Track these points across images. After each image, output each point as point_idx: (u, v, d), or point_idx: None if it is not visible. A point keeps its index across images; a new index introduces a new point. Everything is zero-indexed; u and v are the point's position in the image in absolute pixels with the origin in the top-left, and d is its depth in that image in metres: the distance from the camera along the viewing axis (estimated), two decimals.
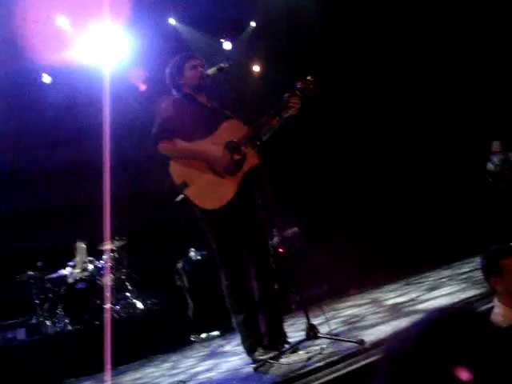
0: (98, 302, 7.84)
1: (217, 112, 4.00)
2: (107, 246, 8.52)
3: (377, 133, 10.00)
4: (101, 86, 8.76)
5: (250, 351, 3.72)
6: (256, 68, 11.02)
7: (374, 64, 9.85)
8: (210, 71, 3.91)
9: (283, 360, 3.34)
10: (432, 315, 1.10)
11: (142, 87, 9.87)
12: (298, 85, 3.86)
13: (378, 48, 9.79)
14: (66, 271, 8.22)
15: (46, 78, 9.43)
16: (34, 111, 9.24)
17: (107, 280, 8.07)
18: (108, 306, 7.67)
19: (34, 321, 7.70)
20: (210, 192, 3.71)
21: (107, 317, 7.34)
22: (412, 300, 4.74)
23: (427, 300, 4.38)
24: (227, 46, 10.57)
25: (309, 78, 3.89)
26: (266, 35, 10.30)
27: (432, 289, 5.17)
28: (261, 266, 3.85)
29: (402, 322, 3.48)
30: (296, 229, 8.34)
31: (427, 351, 1.05)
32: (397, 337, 1.16)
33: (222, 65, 3.84)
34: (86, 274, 8.24)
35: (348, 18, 9.60)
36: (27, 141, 9.36)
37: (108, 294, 7.82)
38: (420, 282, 6.29)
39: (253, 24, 10.71)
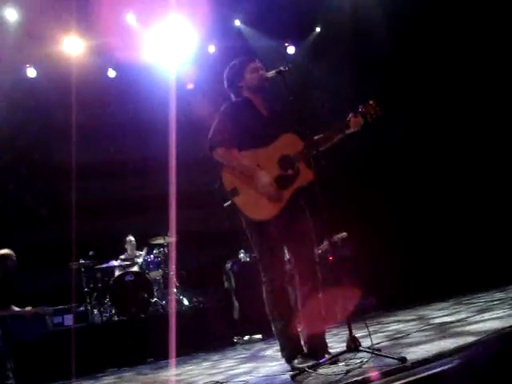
0: (146, 295, 7.94)
1: (274, 121, 3.96)
2: (158, 241, 8.63)
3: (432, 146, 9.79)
4: (163, 82, 8.91)
5: (288, 359, 3.69)
6: (317, 74, 10.96)
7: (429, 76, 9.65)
8: (270, 74, 3.89)
9: (321, 370, 3.29)
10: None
11: (190, 86, 9.94)
12: (360, 108, 3.83)
13: (438, 63, 9.59)
14: (116, 263, 8.37)
15: (111, 73, 9.64)
16: (101, 105, 9.44)
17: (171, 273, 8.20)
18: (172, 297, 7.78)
19: (82, 308, 7.86)
20: (257, 204, 3.71)
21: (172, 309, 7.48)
22: (460, 320, 4.59)
23: (477, 322, 4.23)
24: (291, 50, 10.57)
25: (371, 102, 3.84)
26: (331, 42, 10.22)
27: (483, 311, 5.00)
28: (305, 274, 3.81)
29: (448, 343, 3.37)
30: (344, 233, 8.20)
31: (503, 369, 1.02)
32: (477, 348, 1.14)
33: (281, 68, 3.81)
34: (135, 267, 8.38)
35: (415, 31, 9.40)
36: (95, 133, 9.57)
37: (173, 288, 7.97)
38: (471, 303, 6.11)
39: (318, 29, 10.65)
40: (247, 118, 3.91)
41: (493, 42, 9.15)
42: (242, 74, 4.05)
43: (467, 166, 9.57)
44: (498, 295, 6.17)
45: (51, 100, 9.03)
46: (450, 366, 2.52)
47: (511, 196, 9.13)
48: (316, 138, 3.87)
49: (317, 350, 3.68)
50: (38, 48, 8.90)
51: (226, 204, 3.80)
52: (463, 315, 4.95)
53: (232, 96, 4.12)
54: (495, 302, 5.45)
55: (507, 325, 3.53)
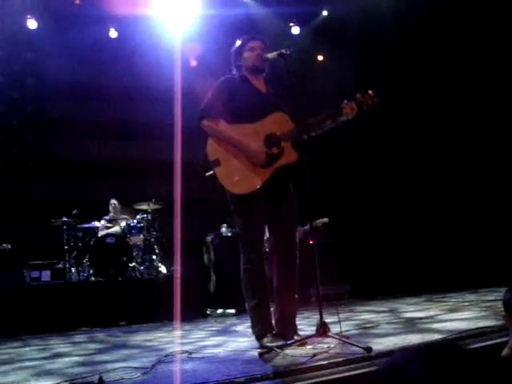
0: (125, 259, 7.98)
1: (269, 100, 3.98)
2: (143, 206, 8.65)
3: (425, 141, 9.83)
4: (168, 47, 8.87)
5: (258, 337, 3.76)
6: (320, 57, 10.94)
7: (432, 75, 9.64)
8: (270, 55, 3.89)
9: (289, 351, 3.37)
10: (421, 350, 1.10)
11: (193, 63, 9.89)
12: (357, 96, 3.84)
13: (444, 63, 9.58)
14: (99, 224, 8.39)
15: (113, 33, 9.56)
16: (100, 67, 9.37)
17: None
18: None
19: (60, 266, 7.90)
20: (238, 176, 3.75)
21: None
22: (430, 317, 4.70)
23: (444, 321, 4.34)
24: (295, 30, 10.51)
25: (370, 92, 3.85)
26: (337, 27, 10.18)
27: (452, 310, 5.12)
28: (284, 255, 3.87)
29: (414, 338, 3.46)
30: (326, 219, 8.27)
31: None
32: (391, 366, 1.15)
33: (283, 51, 3.81)
34: (117, 230, 8.41)
35: (425, 20, 9.35)
36: (92, 93, 9.51)
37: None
38: (442, 301, 6.23)
39: (325, 13, 10.60)
40: (240, 94, 3.92)
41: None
42: (241, 52, 4.06)
43: (455, 165, 9.65)
44: (470, 297, 6.30)
45: (51, 54, 8.95)
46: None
47: (498, 200, 9.22)
48: (308, 122, 3.88)
49: (287, 331, 3.77)
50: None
51: (207, 174, 3.85)
52: (433, 312, 5.07)
53: (234, 71, 4.13)
54: (465, 303, 5.57)
55: (473, 327, 3.63)
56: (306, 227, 7.20)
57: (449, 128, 9.64)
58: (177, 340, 5.14)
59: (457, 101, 9.60)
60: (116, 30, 9.54)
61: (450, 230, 9.41)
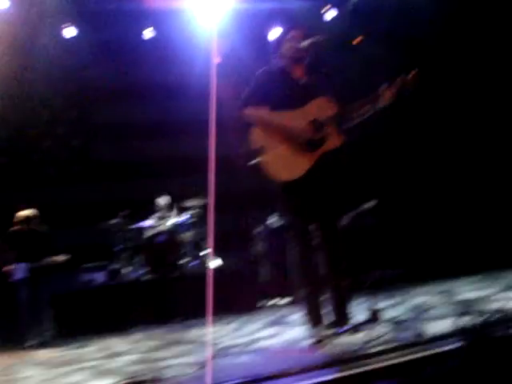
0: (176, 256, 8.08)
1: (310, 88, 3.96)
2: (191, 202, 8.71)
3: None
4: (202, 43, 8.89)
5: (311, 325, 3.77)
6: (356, 42, 10.77)
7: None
8: (303, 44, 3.88)
9: (341, 339, 3.37)
10: None
11: (217, 60, 9.87)
12: (397, 80, 3.78)
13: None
14: (148, 223, 8.50)
15: (148, 34, 9.61)
16: (137, 66, 9.49)
17: None
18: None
19: (113, 267, 8.05)
20: (282, 163, 3.75)
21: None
22: (485, 297, 4.61)
23: (501, 299, 4.25)
24: (330, 15, 10.39)
25: (412, 73, 3.78)
26: (371, 10, 10.01)
27: (509, 288, 5.00)
28: (330, 244, 3.85)
29: (468, 320, 3.40)
30: (373, 202, 8.13)
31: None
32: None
33: (314, 40, 3.81)
34: (166, 228, 8.49)
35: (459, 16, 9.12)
36: (133, 94, 9.66)
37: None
38: (498, 278, 6.09)
39: None
40: (280, 83, 3.93)
41: None
42: (281, 42, 4.07)
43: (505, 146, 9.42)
44: None
45: (89, 59, 9.09)
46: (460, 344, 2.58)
47: None
48: (348, 106, 3.87)
49: (339, 319, 3.75)
50: (78, 6, 8.95)
51: (251, 163, 3.86)
52: (489, 291, 4.95)
53: (274, 62, 4.13)
54: None
55: None
56: (352, 213, 7.13)
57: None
58: (231, 333, 5.19)
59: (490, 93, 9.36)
60: (154, 28, 9.58)
61: (501, 204, 9.20)
